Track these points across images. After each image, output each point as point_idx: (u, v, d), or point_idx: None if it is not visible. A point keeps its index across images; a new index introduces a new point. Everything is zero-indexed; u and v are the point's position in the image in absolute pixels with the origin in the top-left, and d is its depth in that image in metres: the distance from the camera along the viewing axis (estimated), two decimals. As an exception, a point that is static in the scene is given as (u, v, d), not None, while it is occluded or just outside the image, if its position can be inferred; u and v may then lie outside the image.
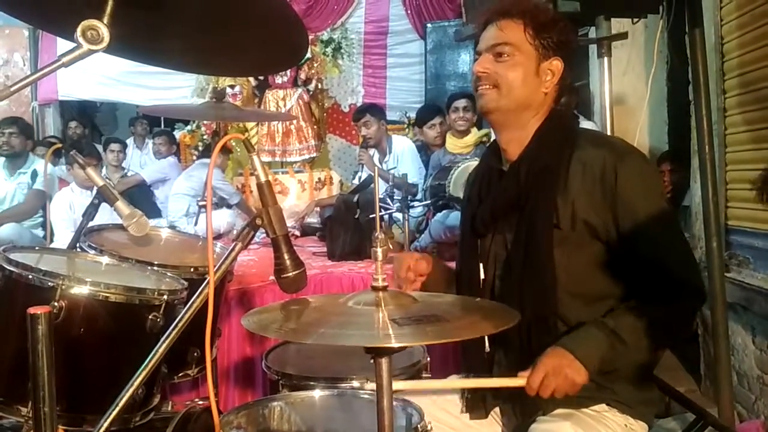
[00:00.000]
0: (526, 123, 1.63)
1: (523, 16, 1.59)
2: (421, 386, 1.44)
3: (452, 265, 1.83)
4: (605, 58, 2.56)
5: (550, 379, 1.41)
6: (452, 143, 4.36)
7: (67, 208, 4.50)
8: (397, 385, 1.29)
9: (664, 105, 4.59)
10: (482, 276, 1.65)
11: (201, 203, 4.77)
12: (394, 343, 1.05)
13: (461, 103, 4.32)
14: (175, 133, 7.25)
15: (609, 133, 2.63)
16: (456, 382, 1.69)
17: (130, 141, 7.23)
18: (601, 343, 1.45)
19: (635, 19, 2.63)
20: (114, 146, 6.14)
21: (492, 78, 1.60)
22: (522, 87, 1.59)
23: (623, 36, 2.56)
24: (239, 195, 5.69)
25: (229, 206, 5.70)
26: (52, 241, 3.83)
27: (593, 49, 3.06)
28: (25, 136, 4.94)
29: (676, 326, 1.57)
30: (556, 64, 1.61)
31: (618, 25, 2.93)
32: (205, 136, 6.98)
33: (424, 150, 4.96)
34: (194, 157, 6.77)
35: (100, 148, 5.98)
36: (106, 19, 1.02)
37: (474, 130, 4.37)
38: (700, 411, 1.72)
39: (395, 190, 3.96)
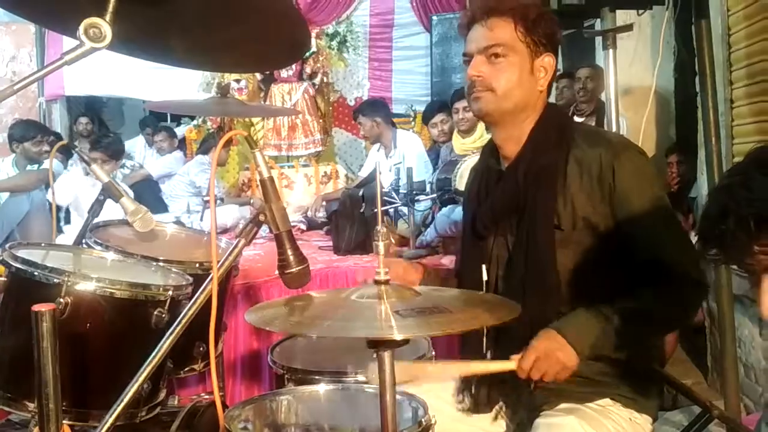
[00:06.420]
0: (522, 122, 1.61)
1: (512, 14, 1.55)
2: (417, 371, 1.47)
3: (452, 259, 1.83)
4: (611, 50, 2.54)
5: (542, 362, 1.42)
6: (458, 144, 4.29)
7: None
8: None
9: (672, 96, 4.57)
10: (485, 277, 1.64)
11: (206, 198, 4.78)
12: (397, 335, 1.06)
13: (461, 104, 4.22)
14: (181, 127, 7.27)
15: (615, 125, 2.61)
16: (448, 367, 1.62)
17: (140, 139, 7.32)
18: (593, 328, 1.45)
19: (641, 11, 2.61)
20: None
21: (486, 82, 1.56)
22: (518, 88, 1.57)
23: (629, 28, 2.54)
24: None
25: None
26: (58, 235, 3.85)
27: (599, 40, 3.04)
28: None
29: (675, 315, 1.56)
30: (548, 61, 1.59)
31: (624, 16, 2.91)
32: (211, 131, 6.99)
33: (434, 144, 4.94)
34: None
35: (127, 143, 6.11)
36: (108, 17, 1.02)
37: (480, 127, 4.24)
38: (705, 404, 1.72)
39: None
